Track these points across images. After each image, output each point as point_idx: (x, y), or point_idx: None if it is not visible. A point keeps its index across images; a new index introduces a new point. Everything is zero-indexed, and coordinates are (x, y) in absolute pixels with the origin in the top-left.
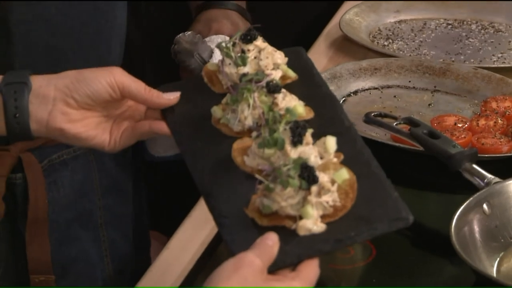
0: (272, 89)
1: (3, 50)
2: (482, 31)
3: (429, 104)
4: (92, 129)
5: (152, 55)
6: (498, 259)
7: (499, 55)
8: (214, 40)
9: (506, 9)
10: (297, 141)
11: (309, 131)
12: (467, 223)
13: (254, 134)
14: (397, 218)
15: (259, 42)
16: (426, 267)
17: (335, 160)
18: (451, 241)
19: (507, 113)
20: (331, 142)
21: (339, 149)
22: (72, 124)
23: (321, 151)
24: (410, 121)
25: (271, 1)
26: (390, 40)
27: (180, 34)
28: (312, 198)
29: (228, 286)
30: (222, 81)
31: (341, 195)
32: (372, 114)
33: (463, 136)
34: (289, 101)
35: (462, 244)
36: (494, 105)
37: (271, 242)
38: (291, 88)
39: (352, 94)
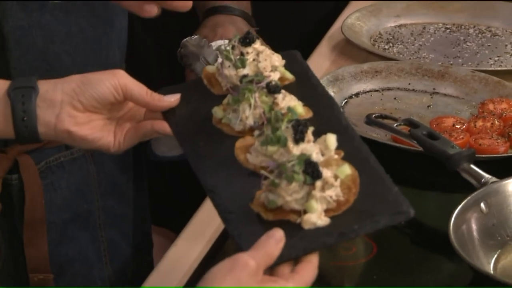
0: (272, 89)
1: None
2: (480, 35)
3: (428, 106)
4: (98, 131)
5: (159, 58)
6: (495, 256)
7: (496, 58)
8: (219, 44)
9: (502, 14)
10: (299, 138)
11: (311, 129)
12: (465, 222)
13: (256, 132)
14: (399, 211)
15: (258, 44)
16: (426, 264)
17: (336, 157)
18: (450, 239)
19: (504, 114)
20: (331, 139)
21: (338, 147)
22: (79, 127)
23: (322, 149)
24: (410, 123)
25: (275, 6)
26: (391, 44)
27: (187, 38)
28: (316, 192)
29: (222, 287)
30: (221, 83)
31: (344, 190)
32: (373, 115)
33: (461, 137)
34: (288, 101)
35: (460, 242)
36: (491, 107)
37: (274, 240)
38: (289, 89)
39: (353, 96)
